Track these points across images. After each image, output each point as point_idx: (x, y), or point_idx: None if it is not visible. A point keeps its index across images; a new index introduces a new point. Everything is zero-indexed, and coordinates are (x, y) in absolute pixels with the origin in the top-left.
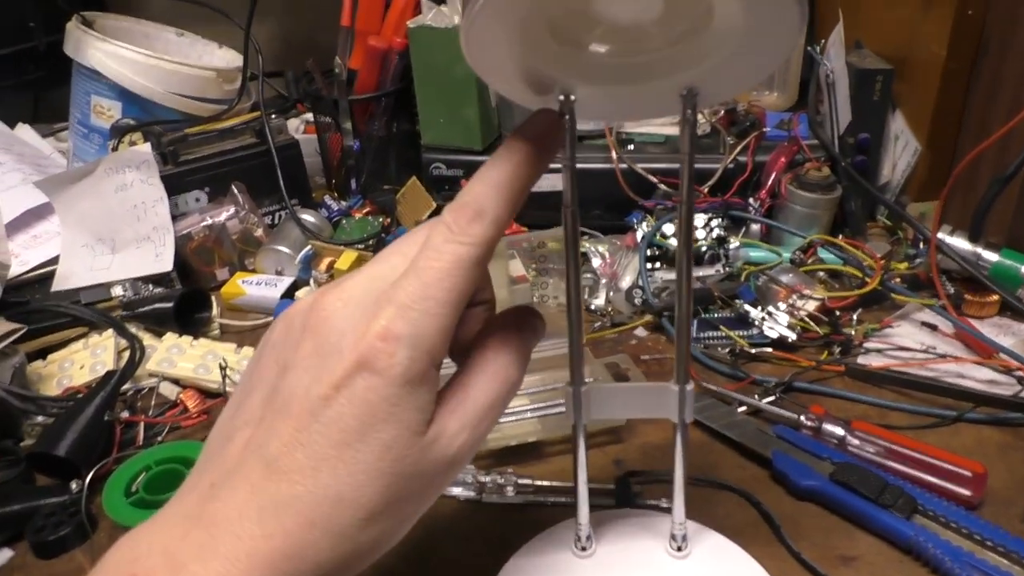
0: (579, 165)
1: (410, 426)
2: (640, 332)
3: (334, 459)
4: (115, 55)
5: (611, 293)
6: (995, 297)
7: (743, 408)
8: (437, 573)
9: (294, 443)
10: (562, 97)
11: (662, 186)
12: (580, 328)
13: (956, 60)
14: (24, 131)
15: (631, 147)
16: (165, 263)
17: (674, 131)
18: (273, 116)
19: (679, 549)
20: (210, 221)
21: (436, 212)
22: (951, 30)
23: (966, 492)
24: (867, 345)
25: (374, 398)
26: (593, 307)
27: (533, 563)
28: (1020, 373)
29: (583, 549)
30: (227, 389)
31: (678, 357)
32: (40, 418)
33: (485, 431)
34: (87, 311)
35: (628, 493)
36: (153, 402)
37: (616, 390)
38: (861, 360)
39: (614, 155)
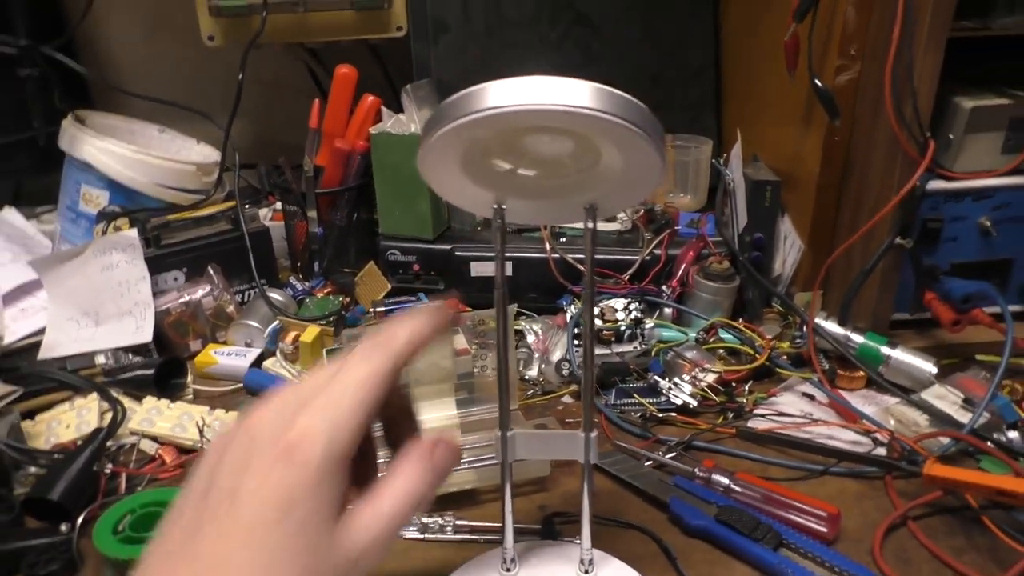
0: (518, 254)
1: (321, 511)
2: (567, 399)
3: (253, 540)
4: (106, 150)
5: (543, 365)
6: (861, 373)
7: (649, 462)
8: None
9: (218, 534)
10: (495, 206)
11: None
12: (508, 386)
13: (827, 176)
14: (10, 214)
15: (563, 239)
16: (145, 335)
17: (603, 226)
18: (247, 206)
19: (586, 572)
20: (187, 298)
21: (391, 294)
22: (822, 152)
23: (823, 529)
24: (756, 411)
25: (294, 484)
26: (527, 377)
27: None
28: (876, 435)
29: (508, 570)
30: (203, 444)
31: (584, 410)
32: (32, 469)
33: (391, 534)
34: (73, 377)
35: (552, 530)
36: (134, 456)
37: (535, 436)
38: (750, 424)
39: (548, 246)
